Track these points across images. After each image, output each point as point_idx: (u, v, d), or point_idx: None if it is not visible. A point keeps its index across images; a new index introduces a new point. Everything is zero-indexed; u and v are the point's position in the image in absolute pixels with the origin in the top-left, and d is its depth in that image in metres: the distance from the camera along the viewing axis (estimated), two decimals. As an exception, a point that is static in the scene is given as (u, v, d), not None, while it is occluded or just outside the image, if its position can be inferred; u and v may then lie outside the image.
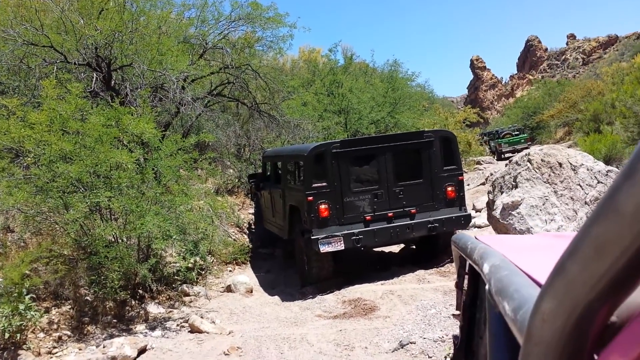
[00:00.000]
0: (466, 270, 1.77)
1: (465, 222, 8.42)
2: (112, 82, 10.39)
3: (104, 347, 6.07)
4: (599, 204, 0.48)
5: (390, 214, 8.08)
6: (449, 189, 8.36)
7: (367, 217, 7.99)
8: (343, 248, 7.76)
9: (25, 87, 10.17)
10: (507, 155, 26.91)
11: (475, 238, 1.58)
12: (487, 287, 1.05)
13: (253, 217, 12.52)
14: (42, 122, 6.87)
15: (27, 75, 10.27)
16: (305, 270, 8.50)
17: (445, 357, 4.92)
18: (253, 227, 12.33)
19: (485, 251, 1.24)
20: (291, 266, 10.00)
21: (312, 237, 7.67)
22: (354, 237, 7.80)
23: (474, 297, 1.65)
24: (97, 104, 8.92)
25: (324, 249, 7.63)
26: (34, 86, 9.89)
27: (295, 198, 8.50)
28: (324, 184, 7.85)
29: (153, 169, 7.70)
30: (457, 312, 1.87)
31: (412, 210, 8.16)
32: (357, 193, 8.04)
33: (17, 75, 10.36)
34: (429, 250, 8.95)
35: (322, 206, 7.76)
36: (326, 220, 7.79)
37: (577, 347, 0.55)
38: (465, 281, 1.76)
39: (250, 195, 12.75)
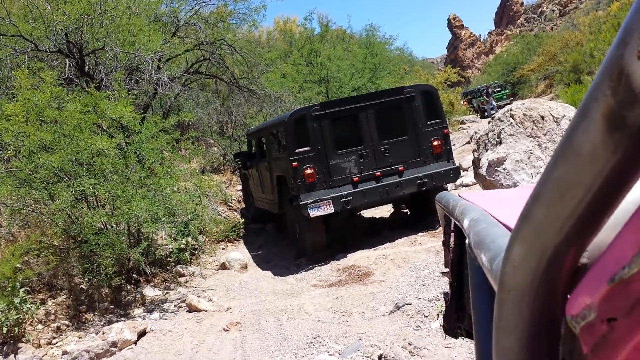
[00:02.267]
0: (451, 228, 1.78)
1: (454, 175, 8.40)
2: (86, 68, 10.18)
3: (103, 333, 6.09)
4: (558, 146, 0.48)
5: (377, 174, 8.01)
6: (435, 143, 8.28)
7: (355, 179, 7.92)
8: (333, 211, 7.69)
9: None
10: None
11: (458, 196, 1.59)
12: (467, 241, 1.06)
13: (242, 199, 12.48)
14: (18, 113, 6.74)
15: (-1, 66, 10.04)
16: (298, 242, 8.45)
17: (438, 315, 5.01)
18: (244, 207, 12.30)
19: (465, 207, 1.25)
20: (284, 240, 10.05)
21: (301, 203, 7.59)
22: (343, 199, 7.72)
23: (461, 254, 1.67)
24: (72, 91, 8.75)
25: (314, 213, 7.55)
26: (7, 77, 9.67)
27: (280, 167, 8.39)
28: (308, 148, 7.75)
29: (135, 153, 7.62)
30: (446, 270, 1.89)
31: (400, 168, 8.10)
32: (342, 155, 7.95)
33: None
34: (421, 211, 8.90)
35: (308, 171, 7.67)
36: (313, 185, 7.71)
37: (549, 291, 0.55)
38: (452, 239, 1.77)
39: (239, 175, 12.66)
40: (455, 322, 1.76)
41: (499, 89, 32.06)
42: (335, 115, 7.96)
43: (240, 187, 13.36)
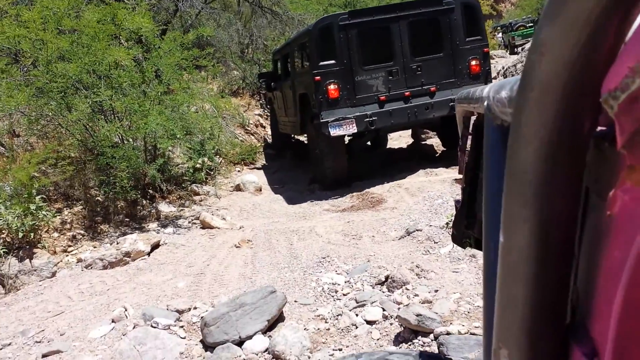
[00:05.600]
0: (469, 131, 1.68)
1: None
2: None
3: (117, 243, 6.22)
4: None
5: (407, 93, 7.36)
6: (473, 62, 7.53)
7: (382, 97, 7.28)
8: (356, 131, 7.18)
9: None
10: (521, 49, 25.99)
11: None
12: (485, 103, 0.96)
13: (271, 134, 12.01)
14: (35, 20, 6.61)
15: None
16: (318, 167, 8.01)
17: (447, 224, 4.98)
18: (272, 141, 11.89)
19: (486, 86, 1.15)
20: (299, 166, 10.02)
21: (322, 121, 7.04)
22: (367, 119, 7.14)
23: (477, 157, 1.58)
24: (91, 2, 8.56)
25: (335, 132, 7.02)
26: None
27: (304, 84, 7.78)
28: (333, 62, 7.13)
29: (153, 69, 7.51)
30: (460, 177, 1.81)
31: (432, 88, 7.41)
32: (370, 71, 7.28)
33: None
34: (451, 138, 8.25)
35: (332, 86, 7.07)
36: (336, 102, 7.12)
37: (581, 83, 0.45)
38: (468, 142, 1.67)
39: (263, 101, 12.14)
40: (465, 229, 1.70)
41: (531, 24, 30.76)
42: (365, 26, 7.20)
43: (257, 112, 13.23)
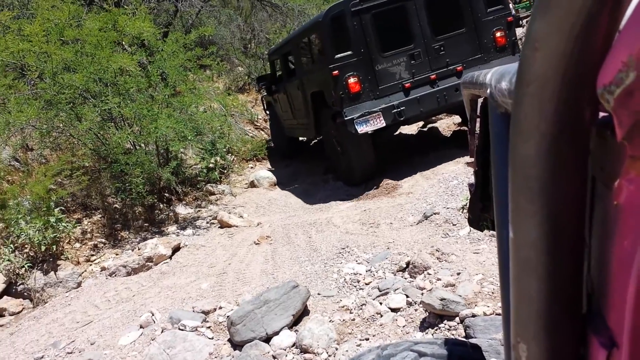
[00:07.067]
0: (478, 113, 1.66)
1: None
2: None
3: (139, 249, 6.29)
4: None
5: (433, 76, 6.86)
6: (498, 34, 7.02)
7: (407, 85, 6.77)
8: (384, 125, 6.59)
9: (19, 3, 9.87)
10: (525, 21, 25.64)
11: None
12: (488, 91, 0.95)
13: (270, 135, 11.34)
14: (37, 33, 6.66)
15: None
16: (344, 168, 7.45)
17: (463, 208, 4.96)
18: (273, 145, 11.15)
19: (489, 71, 1.14)
20: (312, 159, 9.99)
21: (347, 118, 6.52)
22: (395, 110, 6.62)
23: (487, 139, 1.56)
24: (91, 11, 8.59)
25: (362, 129, 6.48)
26: (27, 0, 9.60)
27: (316, 81, 7.26)
28: (349, 52, 6.59)
29: (158, 72, 7.54)
30: (471, 160, 1.79)
31: (459, 68, 6.87)
32: (390, 57, 6.75)
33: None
34: None
35: (352, 80, 6.53)
36: (358, 95, 6.58)
37: (577, 75, 0.45)
38: (477, 124, 1.66)
39: (263, 106, 11.28)
40: (481, 212, 1.68)
41: (535, -4, 30.35)
42: (378, 9, 6.64)
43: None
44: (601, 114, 0.49)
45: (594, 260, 0.54)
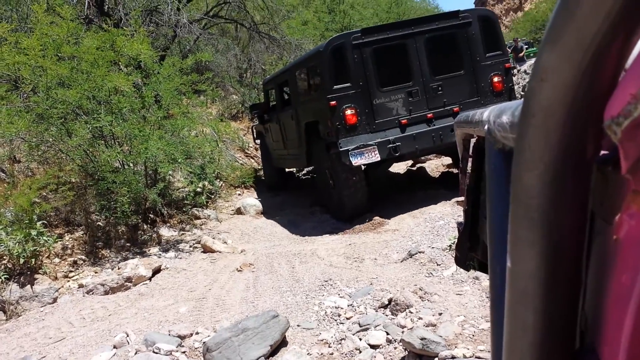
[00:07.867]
0: (470, 153, 1.69)
1: None
2: (105, 7, 10.05)
3: (119, 268, 6.20)
4: None
5: (429, 115, 6.88)
6: (496, 79, 7.11)
7: (403, 121, 6.79)
8: (379, 159, 6.61)
9: (17, 16, 9.94)
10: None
11: None
12: (486, 127, 0.97)
13: (262, 167, 11.14)
14: (34, 47, 6.68)
15: (18, 3, 10.00)
16: (334, 202, 7.37)
17: (450, 246, 4.96)
18: (264, 176, 11.00)
19: (485, 109, 1.17)
20: (300, 189, 10.01)
21: (341, 149, 6.51)
22: (391, 145, 6.63)
23: (478, 179, 1.59)
24: (90, 30, 8.67)
25: (356, 161, 6.50)
26: (26, 15, 9.65)
27: (312, 111, 7.28)
28: (348, 84, 6.61)
29: (152, 93, 7.57)
30: (461, 199, 1.81)
31: (455, 109, 6.88)
32: (388, 93, 6.80)
33: (8, 5, 10.11)
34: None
35: (349, 111, 6.55)
36: (355, 128, 6.61)
37: (583, 107, 0.46)
38: (469, 164, 1.68)
39: (253, 135, 11.23)
40: (468, 252, 1.69)
41: (527, 46, 31.09)
42: (379, 44, 6.72)
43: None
44: (602, 152, 0.50)
45: (589, 296, 0.54)
